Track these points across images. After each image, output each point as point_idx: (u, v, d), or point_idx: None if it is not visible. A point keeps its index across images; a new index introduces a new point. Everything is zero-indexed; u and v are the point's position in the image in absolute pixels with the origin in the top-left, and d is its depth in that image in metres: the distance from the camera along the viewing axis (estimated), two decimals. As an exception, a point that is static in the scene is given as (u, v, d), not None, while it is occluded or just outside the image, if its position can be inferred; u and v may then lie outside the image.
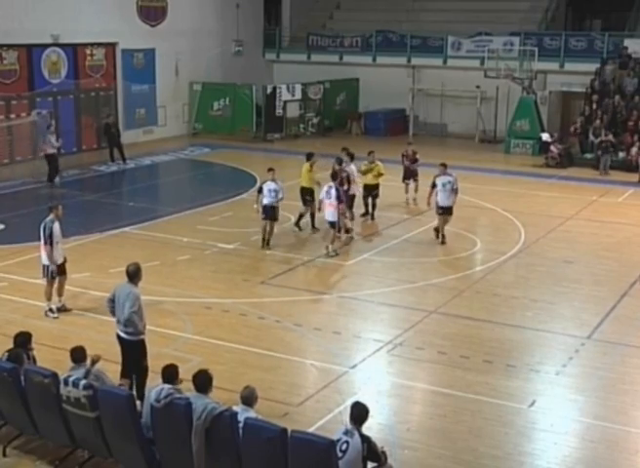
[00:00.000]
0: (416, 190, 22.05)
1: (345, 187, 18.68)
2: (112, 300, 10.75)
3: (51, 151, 24.66)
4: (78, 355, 9.47)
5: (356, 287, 16.11)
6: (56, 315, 13.94)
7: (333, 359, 12.49)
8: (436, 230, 18.73)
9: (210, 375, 8.74)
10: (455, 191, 18.45)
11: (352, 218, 19.46)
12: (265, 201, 17.79)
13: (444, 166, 18.73)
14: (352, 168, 19.58)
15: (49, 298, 14.07)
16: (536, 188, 24.79)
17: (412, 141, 22.80)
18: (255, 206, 18.27)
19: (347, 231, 18.96)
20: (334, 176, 18.21)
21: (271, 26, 39.59)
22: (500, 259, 17.63)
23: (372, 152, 20.62)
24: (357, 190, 19.78)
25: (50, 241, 13.77)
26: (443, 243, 18.49)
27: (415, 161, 22.16)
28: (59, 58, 29.32)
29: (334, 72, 36.52)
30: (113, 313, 10.81)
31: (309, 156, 19.76)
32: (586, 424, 10.70)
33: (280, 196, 17.86)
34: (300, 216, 19.52)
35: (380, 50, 36.66)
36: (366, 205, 20.52)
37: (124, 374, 10.57)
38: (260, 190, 17.98)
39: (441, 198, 18.44)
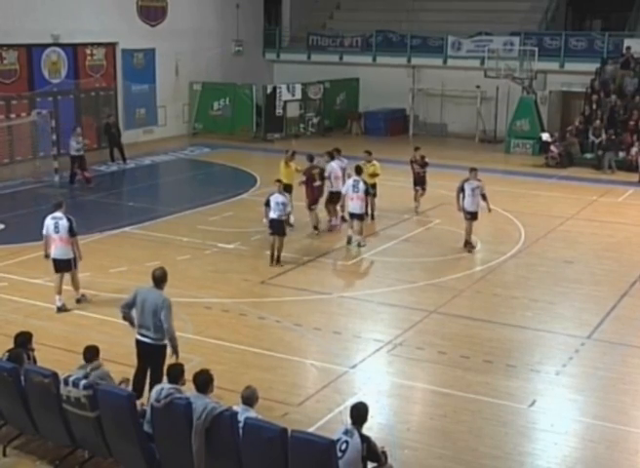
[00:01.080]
0: (421, 195, 21.56)
1: (318, 183, 19.23)
2: (130, 306, 10.54)
3: (75, 153, 24.56)
4: (89, 354, 9.45)
5: (356, 287, 16.11)
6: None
7: (333, 359, 12.49)
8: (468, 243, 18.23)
9: (211, 375, 8.74)
10: (483, 196, 18.02)
11: (336, 215, 19.64)
12: (273, 214, 16.86)
13: (475, 170, 18.19)
14: (333, 165, 19.62)
15: (60, 292, 14.25)
16: (536, 188, 24.79)
17: (419, 146, 22.11)
18: (264, 220, 17.43)
19: (315, 227, 19.29)
20: (358, 171, 18.61)
21: (271, 26, 39.60)
22: (501, 259, 17.64)
23: (367, 152, 20.54)
24: (341, 187, 19.31)
25: (75, 233, 14.39)
26: (470, 252, 18.00)
27: (424, 165, 21.52)
28: (59, 57, 29.33)
29: (334, 72, 36.52)
30: (127, 318, 10.63)
31: (287, 153, 20.02)
32: (586, 424, 10.71)
33: (288, 209, 17.17)
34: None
35: (381, 50, 36.66)
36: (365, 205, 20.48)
37: (138, 381, 10.41)
38: (268, 203, 16.93)
39: (470, 203, 17.97)
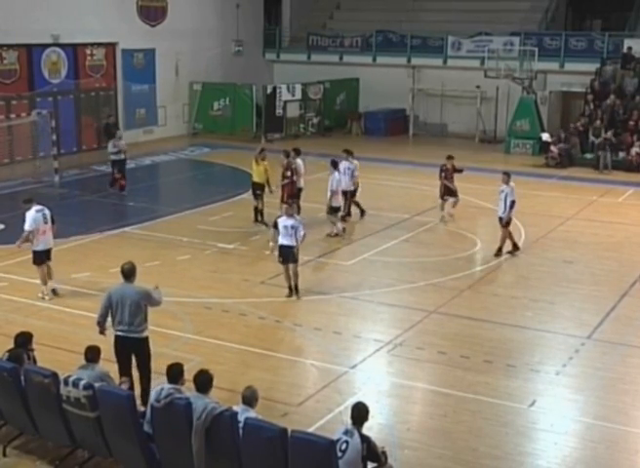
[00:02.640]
0: (454, 206, 20.88)
1: (293, 178, 19.51)
2: (108, 307, 10.53)
3: (114, 157, 23.56)
4: (91, 355, 9.45)
5: (356, 287, 16.10)
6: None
7: (333, 359, 12.49)
8: (514, 247, 18.01)
9: (210, 375, 8.74)
10: (511, 203, 17.50)
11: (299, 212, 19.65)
12: (283, 240, 14.89)
13: (507, 175, 17.76)
14: (299, 162, 19.84)
15: (46, 282, 14.69)
16: (536, 188, 24.78)
17: (453, 156, 20.89)
18: (270, 244, 15.94)
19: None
20: (334, 165, 19.09)
21: (271, 26, 39.61)
22: (501, 259, 17.64)
23: (346, 151, 20.34)
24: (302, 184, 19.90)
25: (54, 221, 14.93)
26: (497, 255, 17.75)
27: (456, 171, 20.56)
28: (59, 57, 29.34)
29: (334, 72, 36.53)
30: (105, 320, 10.63)
31: (261, 151, 20.04)
32: (586, 424, 10.71)
33: (301, 233, 14.84)
34: (259, 212, 19.84)
35: (381, 50, 36.67)
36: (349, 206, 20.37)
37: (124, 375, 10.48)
38: (276, 226, 14.98)
39: (499, 207, 17.84)
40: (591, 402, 11.31)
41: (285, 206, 15.33)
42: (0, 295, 14.99)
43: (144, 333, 10.54)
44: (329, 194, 18.97)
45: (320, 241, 18.78)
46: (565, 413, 11.01)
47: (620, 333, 13.63)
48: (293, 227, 14.69)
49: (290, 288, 15.11)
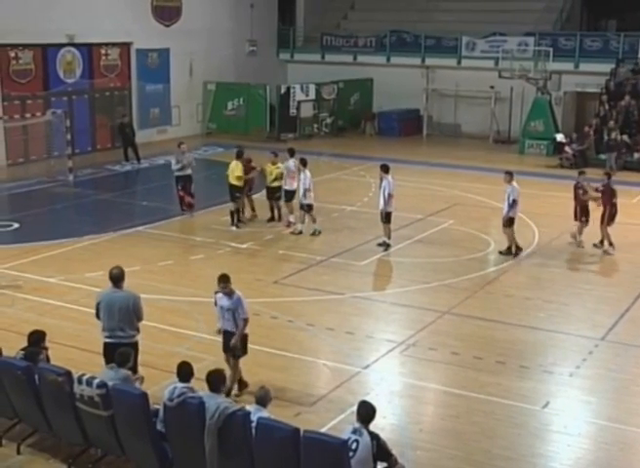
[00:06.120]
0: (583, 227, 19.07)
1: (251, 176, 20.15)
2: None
3: (178, 173, 20.71)
4: (122, 358, 9.46)
5: (369, 287, 16.10)
6: None
7: (345, 359, 12.49)
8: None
9: (223, 375, 8.76)
10: (512, 203, 17.60)
11: (292, 212, 19.80)
12: (223, 324, 11.13)
13: (509, 174, 17.89)
14: (290, 164, 19.77)
15: None
16: (550, 189, 24.70)
17: (584, 171, 19.55)
18: (217, 325, 11.33)
19: (289, 225, 19.64)
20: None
21: (285, 26, 39.62)
22: (514, 260, 17.59)
23: (274, 153, 20.33)
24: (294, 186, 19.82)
25: None
26: (515, 255, 17.76)
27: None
28: (73, 57, 29.47)
29: (348, 72, 36.51)
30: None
31: (239, 154, 20.06)
32: (600, 426, 10.67)
33: (242, 317, 10.92)
34: (232, 215, 19.90)
35: (395, 50, 36.64)
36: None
37: None
38: (216, 304, 11.17)
39: (504, 208, 17.91)
40: (605, 403, 11.27)
41: (220, 282, 10.88)
42: (14, 294, 15.06)
43: (134, 339, 10.42)
44: (382, 200, 17.98)
45: (332, 241, 18.77)
46: (578, 415, 10.98)
47: (633, 335, 13.57)
48: (229, 310, 10.92)
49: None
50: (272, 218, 20.27)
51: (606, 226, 18.29)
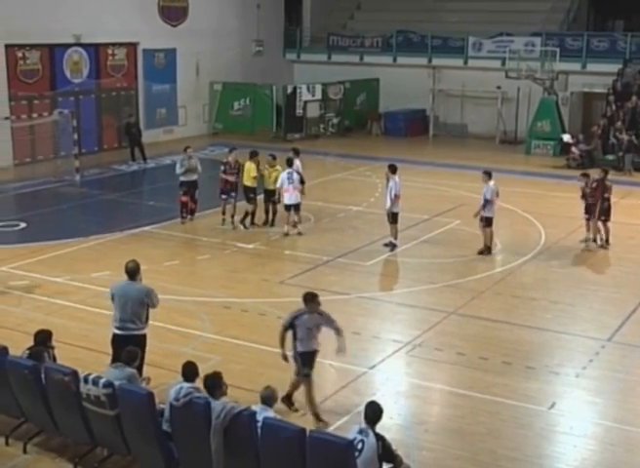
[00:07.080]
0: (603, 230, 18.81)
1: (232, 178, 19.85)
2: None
3: (183, 178, 19.96)
4: (129, 356, 9.50)
5: (375, 287, 16.09)
6: None
7: (351, 359, 12.44)
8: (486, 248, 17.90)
9: (221, 377, 8.78)
10: (484, 202, 17.51)
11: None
12: (301, 347, 10.52)
13: (486, 174, 17.71)
14: (283, 175, 19.25)
15: None
16: (556, 189, 24.66)
17: (588, 173, 19.01)
18: (288, 354, 10.66)
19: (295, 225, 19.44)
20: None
21: (292, 26, 39.63)
22: (520, 261, 17.56)
23: (272, 156, 20.29)
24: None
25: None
26: (481, 253, 17.79)
27: (595, 190, 18.27)
28: (80, 57, 29.52)
29: (354, 72, 36.50)
30: None
31: (254, 154, 20.03)
32: (606, 427, 10.65)
33: (341, 343, 10.66)
34: (246, 215, 19.82)
35: (401, 50, 36.61)
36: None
37: None
38: (292, 326, 10.56)
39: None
40: (611, 404, 11.25)
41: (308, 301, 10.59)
42: (21, 294, 15.10)
43: (144, 331, 10.61)
44: (389, 201, 17.85)
45: (338, 241, 18.77)
46: (584, 416, 10.96)
47: (640, 336, 13.55)
48: (316, 326, 10.55)
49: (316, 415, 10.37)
50: (267, 222, 20.06)
51: (596, 221, 18.29)
